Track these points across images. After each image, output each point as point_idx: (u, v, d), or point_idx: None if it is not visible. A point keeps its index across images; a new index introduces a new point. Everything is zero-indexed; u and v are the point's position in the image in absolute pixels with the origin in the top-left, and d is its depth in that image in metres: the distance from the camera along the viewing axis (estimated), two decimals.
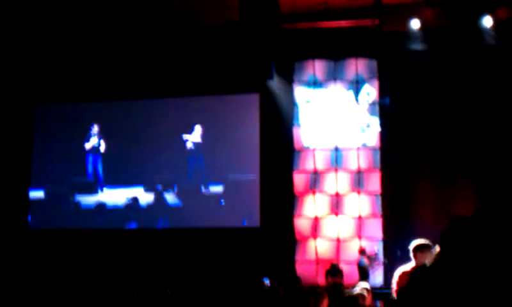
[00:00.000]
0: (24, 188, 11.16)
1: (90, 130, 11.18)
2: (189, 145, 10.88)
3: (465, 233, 3.34)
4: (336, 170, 10.08)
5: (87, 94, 11.12)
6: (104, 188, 11.11)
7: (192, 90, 10.79)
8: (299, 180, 10.22)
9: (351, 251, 9.64)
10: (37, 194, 11.23)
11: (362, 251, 9.21)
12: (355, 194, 9.95)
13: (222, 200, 10.68)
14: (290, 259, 9.93)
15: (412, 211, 9.71)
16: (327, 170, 10.13)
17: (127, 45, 10.69)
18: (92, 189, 11.13)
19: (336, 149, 10.11)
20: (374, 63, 10.17)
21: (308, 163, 10.20)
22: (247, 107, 10.84)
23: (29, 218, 11.14)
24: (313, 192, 10.11)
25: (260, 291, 7.00)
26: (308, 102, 10.36)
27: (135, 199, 10.94)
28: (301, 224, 10.08)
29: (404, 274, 6.66)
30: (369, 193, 9.90)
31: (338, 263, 8.99)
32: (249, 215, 10.44)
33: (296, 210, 10.14)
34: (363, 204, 9.88)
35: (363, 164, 9.97)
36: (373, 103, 10.12)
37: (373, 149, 9.98)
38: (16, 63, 11.00)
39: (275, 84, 10.36)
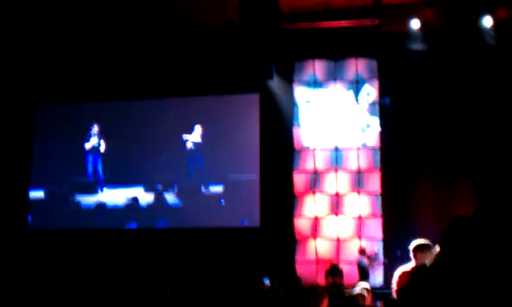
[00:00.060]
0: (24, 188, 11.16)
1: (90, 130, 11.18)
2: (189, 145, 10.88)
3: (465, 233, 3.34)
4: (336, 170, 10.08)
5: (87, 94, 11.12)
6: (104, 188, 11.11)
7: (192, 90, 10.79)
8: (299, 180, 10.22)
9: (351, 251, 9.64)
10: (37, 194, 11.23)
11: (362, 251, 9.21)
12: (355, 194, 9.94)
13: (222, 200, 10.68)
14: (290, 260, 9.93)
15: (412, 211, 9.71)
16: (327, 170, 10.13)
17: (127, 45, 10.69)
18: (92, 189, 11.13)
19: (336, 149, 10.11)
20: (374, 63, 10.17)
21: (308, 163, 10.20)
22: (247, 107, 10.83)
23: (29, 218, 11.14)
24: (313, 192, 10.11)
25: (260, 292, 7.00)
26: (308, 101, 10.36)
27: (135, 199, 10.94)
28: (301, 224, 10.08)
29: (404, 274, 6.67)
30: (369, 193, 9.90)
31: (338, 263, 8.99)
32: (249, 215, 10.44)
33: (295, 210, 10.13)
34: (363, 205, 9.88)
35: (363, 164, 9.97)
36: (373, 103, 10.12)
37: (373, 149, 9.98)
38: (17, 63, 11.00)
39: (275, 84, 10.36)
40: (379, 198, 9.83)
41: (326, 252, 9.87)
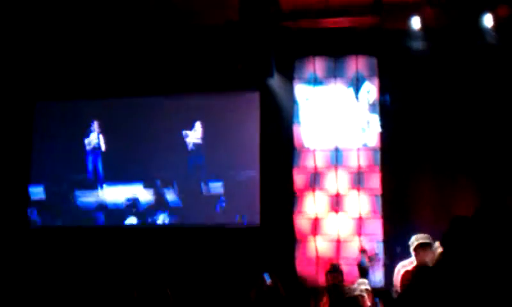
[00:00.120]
0: (24, 186, 11.15)
1: (90, 127, 11.17)
2: (189, 143, 10.86)
3: (466, 234, 3.34)
4: (336, 168, 10.07)
5: (87, 91, 11.10)
6: (104, 186, 11.10)
7: (192, 88, 10.78)
8: (299, 178, 10.22)
9: (351, 250, 9.64)
10: (37, 191, 11.22)
11: (362, 251, 9.21)
12: (355, 193, 9.94)
13: (222, 198, 10.67)
14: (290, 258, 9.93)
15: (412, 211, 9.70)
16: (327, 168, 10.12)
17: (127, 43, 10.66)
18: (92, 187, 11.12)
19: (337, 149, 10.10)
20: (374, 61, 10.16)
21: (309, 161, 10.20)
22: (247, 105, 10.81)
23: (29, 216, 11.13)
24: (314, 191, 10.10)
25: (261, 290, 7.01)
26: (307, 99, 10.35)
27: (135, 197, 10.93)
28: (301, 222, 10.08)
29: (406, 272, 6.68)
30: (369, 193, 9.90)
31: (338, 262, 9.01)
32: (249, 213, 10.43)
33: (296, 208, 10.13)
34: (363, 204, 9.88)
35: (364, 164, 9.96)
36: (373, 102, 10.11)
37: (373, 148, 9.98)
38: (16, 61, 10.98)
39: (275, 81, 10.34)
40: (380, 198, 9.83)
41: (326, 251, 9.87)
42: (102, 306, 7.25)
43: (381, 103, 10.06)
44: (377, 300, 7.27)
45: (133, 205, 10.88)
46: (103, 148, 11.10)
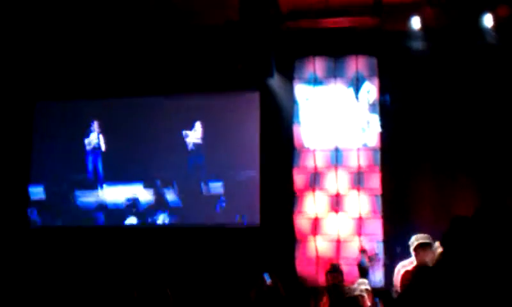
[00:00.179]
0: (24, 186, 11.15)
1: (90, 127, 11.17)
2: (189, 143, 10.86)
3: (467, 234, 3.34)
4: (336, 168, 10.08)
5: (87, 91, 11.10)
6: (104, 186, 11.10)
7: (192, 88, 10.78)
8: (299, 178, 10.22)
9: (351, 250, 9.65)
10: (37, 191, 11.21)
11: (363, 251, 9.21)
12: (355, 193, 9.94)
13: (222, 198, 10.67)
14: (290, 258, 9.93)
15: (412, 211, 9.70)
16: (327, 168, 10.13)
17: (127, 43, 10.66)
18: (92, 187, 11.12)
19: (337, 149, 10.10)
20: (374, 61, 10.16)
21: (309, 161, 10.20)
22: (247, 105, 10.81)
23: (29, 216, 11.13)
24: (314, 191, 10.11)
25: (261, 290, 7.01)
26: (307, 99, 10.36)
27: (135, 197, 10.93)
28: (301, 222, 10.08)
29: (406, 272, 6.68)
30: (369, 193, 9.90)
31: (338, 262, 9.01)
32: (249, 213, 10.43)
33: (296, 208, 10.13)
34: (363, 204, 9.88)
35: (364, 164, 9.97)
36: (373, 102, 10.12)
37: (373, 148, 9.98)
38: (16, 61, 10.98)
39: (275, 81, 10.34)
40: (380, 197, 9.84)
41: (326, 251, 9.87)
42: (102, 306, 7.25)
43: (381, 103, 10.07)
44: (377, 300, 7.27)
45: (133, 205, 10.88)
46: (103, 148, 11.10)
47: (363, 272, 8.72)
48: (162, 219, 10.79)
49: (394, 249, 9.13)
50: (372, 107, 10.10)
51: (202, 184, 10.76)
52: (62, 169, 11.15)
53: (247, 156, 10.60)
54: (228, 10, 9.16)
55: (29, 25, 10.44)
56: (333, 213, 10.00)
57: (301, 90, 10.39)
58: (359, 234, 9.79)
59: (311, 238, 10.00)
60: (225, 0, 9.20)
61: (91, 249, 10.48)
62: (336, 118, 10.18)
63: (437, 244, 6.43)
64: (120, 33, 10.58)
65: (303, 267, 9.83)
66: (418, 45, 9.63)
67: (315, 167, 10.15)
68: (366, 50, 10.16)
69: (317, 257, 9.89)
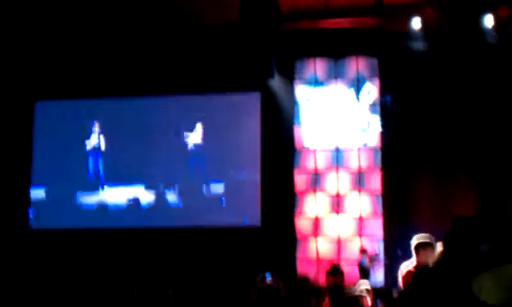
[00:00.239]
0: (25, 187, 11.15)
1: (91, 128, 11.17)
2: (190, 144, 10.86)
3: (468, 234, 3.34)
4: (337, 169, 10.08)
5: (88, 92, 11.10)
6: (105, 187, 11.10)
7: (193, 89, 10.78)
8: (300, 179, 10.22)
9: (352, 250, 9.64)
10: (37, 192, 11.21)
11: (363, 251, 9.21)
12: (356, 194, 9.94)
13: (223, 199, 10.67)
14: (291, 259, 9.93)
15: (413, 211, 9.70)
16: (328, 169, 10.13)
17: (127, 44, 10.67)
18: (93, 188, 11.11)
19: (337, 149, 10.10)
20: (375, 62, 10.18)
21: (309, 162, 10.20)
22: (248, 106, 10.81)
23: (30, 217, 11.13)
24: (314, 191, 10.11)
25: (261, 290, 7.00)
26: (308, 100, 10.36)
27: (136, 198, 10.93)
28: (302, 223, 10.08)
29: (408, 273, 6.67)
30: (370, 193, 9.90)
31: (339, 262, 8.99)
32: (250, 214, 10.43)
33: (296, 209, 10.13)
34: (363, 204, 9.88)
35: (364, 164, 9.97)
36: (374, 103, 10.12)
37: (374, 149, 9.98)
38: (16, 61, 10.98)
39: (276, 82, 10.34)
40: (380, 198, 9.83)
41: (327, 251, 9.88)
42: (102, 306, 7.25)
43: (381, 104, 10.06)
44: (378, 300, 7.25)
45: (134, 206, 10.87)
46: (103, 148, 11.10)
47: (364, 272, 8.71)
48: (163, 219, 10.77)
49: (395, 249, 9.12)
50: (372, 107, 10.09)
51: (203, 185, 10.76)
52: (63, 170, 11.14)
53: (248, 157, 10.60)
54: (228, 10, 9.17)
55: (30, 25, 10.45)
56: (334, 214, 10.00)
57: (301, 91, 10.39)
58: (359, 234, 9.80)
59: (312, 238, 10.00)
60: (225, 0, 9.20)
61: (91, 249, 10.47)
62: (337, 118, 10.18)
63: (439, 244, 6.42)
64: (120, 33, 10.59)
65: (304, 268, 9.82)
66: (418, 45, 9.64)
67: (316, 168, 10.15)
68: (367, 51, 10.16)
69: (318, 258, 9.89)
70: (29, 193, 11.15)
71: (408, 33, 9.70)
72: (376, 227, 9.76)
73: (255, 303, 6.55)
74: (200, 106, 10.93)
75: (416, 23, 9.61)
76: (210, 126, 10.82)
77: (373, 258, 9.31)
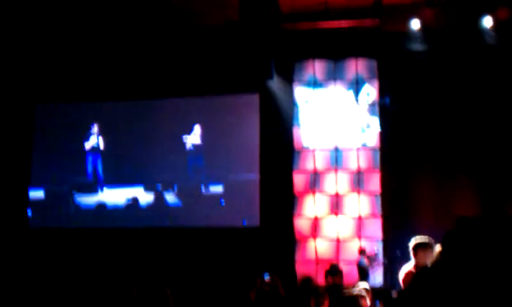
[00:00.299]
0: (24, 188, 11.15)
1: (90, 129, 11.18)
2: (189, 145, 10.87)
3: (469, 235, 3.33)
4: (336, 170, 10.09)
5: (87, 94, 11.12)
6: (104, 188, 11.10)
7: (192, 90, 10.79)
8: (299, 180, 10.23)
9: (351, 251, 9.65)
10: (37, 193, 11.22)
11: (362, 251, 9.21)
12: (355, 194, 9.95)
13: (222, 200, 10.67)
14: (290, 259, 9.93)
15: (412, 211, 9.71)
16: (327, 170, 10.14)
17: (127, 45, 10.69)
18: (92, 189, 11.12)
19: (336, 149, 10.12)
20: (374, 63, 10.19)
21: (308, 163, 10.21)
22: (247, 107, 10.83)
23: (29, 217, 11.13)
24: (313, 192, 10.12)
25: (261, 290, 6.99)
26: (307, 101, 10.37)
27: (135, 199, 10.94)
28: (301, 224, 10.09)
29: (408, 273, 6.67)
30: (369, 193, 9.92)
31: (338, 263, 9.00)
32: (249, 214, 10.44)
33: (295, 210, 10.14)
34: (363, 205, 9.89)
35: (363, 164, 9.98)
36: (373, 104, 10.13)
37: (373, 149, 9.99)
38: (17, 63, 11.00)
39: (275, 84, 10.36)
40: (379, 198, 9.85)
41: (326, 252, 9.89)
42: (102, 306, 7.24)
43: (381, 105, 10.07)
44: (377, 301, 7.26)
45: (133, 206, 10.87)
46: (103, 149, 11.10)
47: (363, 272, 8.71)
48: (162, 220, 10.78)
49: (394, 249, 9.12)
50: (371, 108, 10.10)
51: (202, 186, 10.77)
52: (62, 171, 11.17)
53: (247, 158, 10.61)
54: (228, 10, 9.17)
55: (30, 28, 10.45)
56: (333, 215, 10.01)
57: (300, 92, 10.41)
58: (358, 235, 9.80)
59: (311, 239, 10.01)
60: (225, 0, 9.21)
61: (91, 250, 10.48)
62: (336, 120, 10.18)
63: (438, 246, 6.41)
64: (120, 36, 10.60)
65: (303, 268, 9.82)
66: (417, 46, 9.65)
67: (315, 169, 10.16)
68: (366, 52, 10.17)
69: (317, 258, 9.90)
70: (28, 193, 11.15)
71: (407, 34, 9.71)
72: (375, 227, 9.77)
73: (254, 303, 6.55)
74: (199, 107, 10.94)
75: (415, 24, 9.63)
76: (210, 128, 10.83)
77: (372, 259, 9.31)
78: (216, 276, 9.65)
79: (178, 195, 10.80)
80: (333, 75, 10.35)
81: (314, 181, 10.14)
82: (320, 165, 10.15)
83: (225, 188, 10.64)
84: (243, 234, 10.35)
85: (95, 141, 11.14)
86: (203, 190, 10.73)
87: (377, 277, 9.42)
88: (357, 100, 10.20)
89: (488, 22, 9.35)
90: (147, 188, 10.92)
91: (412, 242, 6.84)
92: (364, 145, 10.03)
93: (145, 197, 10.91)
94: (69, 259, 10.42)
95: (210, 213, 10.54)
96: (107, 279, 9.21)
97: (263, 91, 10.51)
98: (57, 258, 10.49)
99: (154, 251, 10.33)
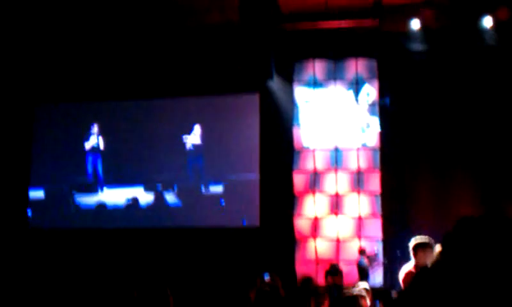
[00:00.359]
0: (24, 188, 11.15)
1: (90, 129, 11.18)
2: (189, 145, 10.87)
3: (471, 235, 3.33)
4: (336, 170, 10.09)
5: (87, 94, 11.13)
6: (104, 188, 11.11)
7: (192, 90, 10.79)
8: (299, 180, 10.23)
9: (351, 251, 9.65)
10: (37, 193, 11.22)
11: (362, 251, 9.22)
12: (355, 194, 9.95)
13: (222, 200, 10.68)
14: (290, 259, 9.94)
15: (412, 211, 9.72)
16: (327, 170, 10.14)
17: (126, 45, 10.69)
18: (92, 189, 11.13)
19: (336, 149, 10.12)
20: (374, 63, 10.19)
21: (308, 163, 10.22)
22: (247, 107, 10.83)
23: (29, 217, 11.13)
24: (313, 192, 10.12)
25: (261, 290, 6.99)
26: (307, 101, 10.37)
27: (135, 199, 10.94)
28: (301, 224, 10.10)
29: (408, 273, 6.67)
30: (369, 193, 9.92)
31: (338, 263, 9.00)
32: (249, 215, 10.44)
33: (295, 210, 10.14)
34: (363, 205, 9.89)
35: (363, 164, 9.98)
36: (373, 104, 10.13)
37: (373, 149, 10.00)
38: (17, 64, 11.00)
39: (275, 84, 10.36)
40: (379, 198, 9.85)
41: (326, 252, 9.89)
42: (102, 306, 7.24)
43: (380, 105, 10.07)
44: (377, 301, 7.26)
45: (133, 207, 10.88)
46: (103, 149, 11.10)
47: (363, 272, 8.71)
48: (162, 220, 10.78)
49: (394, 249, 9.12)
50: (371, 108, 10.11)
51: (202, 186, 10.77)
52: (62, 171, 11.18)
53: (247, 158, 10.61)
54: (228, 10, 9.17)
55: (29, 28, 10.45)
56: (333, 215, 10.01)
57: (300, 92, 10.41)
58: (358, 235, 9.81)
59: (311, 239, 10.01)
60: (225, 0, 9.20)
61: (91, 250, 10.48)
62: (336, 120, 10.19)
63: (438, 246, 6.41)
64: (120, 36, 10.60)
65: (303, 268, 9.83)
66: (417, 46, 9.65)
67: (315, 169, 10.16)
68: (366, 52, 10.18)
69: (317, 258, 9.90)
70: (28, 193, 11.15)
71: (407, 34, 9.72)
72: (375, 227, 9.78)
73: (254, 303, 6.55)
74: (199, 107, 10.94)
75: (415, 24, 9.63)
76: (210, 128, 10.83)
77: (372, 259, 9.31)
78: (216, 276, 9.64)
79: (178, 195, 10.80)
80: (333, 75, 10.34)
81: (314, 181, 10.14)
82: (320, 165, 10.16)
83: (225, 188, 10.64)
84: (243, 234, 10.35)
85: (95, 141, 11.14)
86: (203, 190, 10.73)
87: (377, 277, 9.42)
88: (357, 100, 10.20)
89: (487, 22, 9.36)
90: (147, 188, 10.93)
91: (412, 242, 6.84)
92: (364, 145, 10.03)
93: (145, 197, 10.92)
94: (69, 259, 10.43)
95: (210, 213, 10.55)
96: (107, 279, 9.22)
97: (263, 91, 10.51)
98: (57, 258, 10.49)
99: (154, 251, 10.33)
